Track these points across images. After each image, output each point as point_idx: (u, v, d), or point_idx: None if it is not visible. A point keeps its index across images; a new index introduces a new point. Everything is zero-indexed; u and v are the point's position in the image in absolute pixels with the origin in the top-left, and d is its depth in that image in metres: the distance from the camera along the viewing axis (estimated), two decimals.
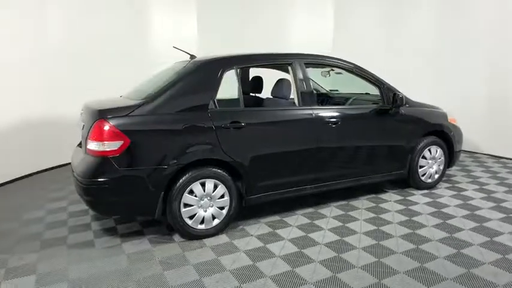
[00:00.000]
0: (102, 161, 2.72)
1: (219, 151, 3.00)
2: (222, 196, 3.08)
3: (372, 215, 3.52)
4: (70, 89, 5.13)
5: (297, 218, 3.47)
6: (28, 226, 3.36)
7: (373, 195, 4.04)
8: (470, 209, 3.61)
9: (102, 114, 2.76)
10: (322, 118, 3.43)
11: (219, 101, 3.11)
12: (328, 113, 3.51)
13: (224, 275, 2.51)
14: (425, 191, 4.17)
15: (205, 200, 3.02)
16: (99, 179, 2.71)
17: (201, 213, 3.01)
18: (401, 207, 3.70)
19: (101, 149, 2.70)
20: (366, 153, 3.74)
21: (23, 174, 4.83)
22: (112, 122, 2.72)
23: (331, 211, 3.62)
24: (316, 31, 7.41)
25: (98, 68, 5.36)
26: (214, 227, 3.08)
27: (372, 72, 3.89)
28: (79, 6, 5.30)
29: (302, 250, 2.85)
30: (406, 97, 3.96)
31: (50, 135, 5.06)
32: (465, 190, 4.20)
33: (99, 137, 2.70)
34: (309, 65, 3.61)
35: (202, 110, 2.98)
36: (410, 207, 3.70)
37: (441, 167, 4.27)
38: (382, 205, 3.77)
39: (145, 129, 2.80)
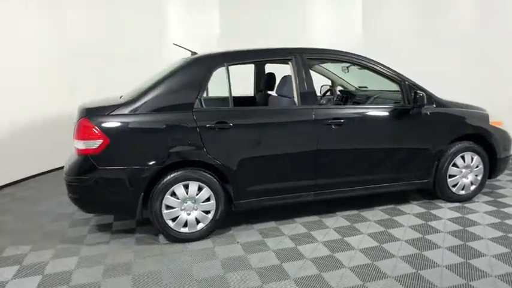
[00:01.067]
0: (83, 160, 2.74)
1: (202, 153, 2.86)
2: (208, 199, 2.95)
3: (381, 228, 3.12)
4: (92, 89, 5.23)
5: (295, 227, 3.21)
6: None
7: (392, 206, 3.60)
8: (505, 230, 3.03)
9: (84, 113, 2.78)
10: (323, 118, 3.11)
11: (213, 99, 2.97)
12: (331, 112, 3.17)
13: (191, 284, 2.39)
14: (456, 204, 3.61)
15: (188, 203, 2.91)
16: (80, 177, 2.75)
17: (183, 216, 2.91)
18: (419, 221, 3.24)
19: (82, 147, 2.73)
20: (377, 159, 3.32)
21: (41, 171, 5.10)
22: (92, 121, 2.73)
23: (335, 221, 3.29)
24: (344, 25, 6.80)
25: (121, 67, 5.42)
26: (198, 231, 2.96)
27: (394, 68, 3.43)
28: (98, 5, 5.48)
29: (282, 263, 2.60)
30: (433, 96, 3.46)
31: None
32: (508, 206, 3.55)
33: (81, 136, 2.73)
34: (313, 60, 3.29)
35: (186, 109, 2.86)
36: (430, 222, 3.22)
37: (479, 177, 3.66)
38: (397, 218, 3.33)
39: (124, 128, 2.77)
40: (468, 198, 3.67)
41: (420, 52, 6.07)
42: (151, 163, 2.77)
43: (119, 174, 2.75)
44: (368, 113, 3.34)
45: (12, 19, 4.56)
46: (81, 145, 2.73)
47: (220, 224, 3.07)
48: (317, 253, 2.74)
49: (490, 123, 3.62)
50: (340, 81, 4.63)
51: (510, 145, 3.76)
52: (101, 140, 2.71)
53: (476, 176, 3.64)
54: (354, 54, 3.37)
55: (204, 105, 2.92)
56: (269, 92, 3.99)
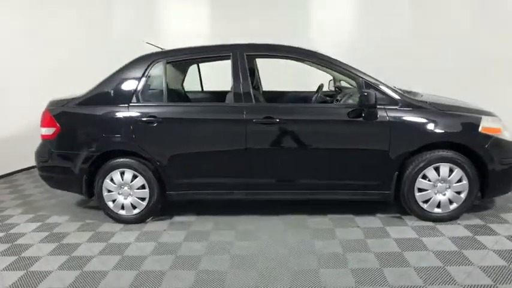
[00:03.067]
0: (44, 144, 3.31)
1: (133, 144, 3.12)
2: (143, 187, 3.21)
3: (307, 237, 2.90)
4: None
5: (214, 220, 3.26)
6: None
7: (350, 216, 3.26)
8: (448, 262, 2.47)
9: (47, 106, 3.32)
10: (255, 117, 3.01)
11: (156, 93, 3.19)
12: (263, 111, 3.04)
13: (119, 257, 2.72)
14: (426, 224, 3.05)
15: (125, 189, 3.22)
16: (42, 158, 3.32)
17: (120, 199, 3.24)
18: (360, 236, 2.88)
19: (43, 133, 3.28)
20: (318, 163, 3.06)
21: None
22: (50, 112, 3.25)
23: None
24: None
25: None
26: (135, 214, 3.26)
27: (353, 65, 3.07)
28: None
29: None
30: (399, 95, 2.99)
31: None
32: (490, 234, 2.85)
33: (42, 124, 3.28)
34: (253, 56, 3.19)
35: (123, 103, 3.15)
36: (369, 239, 2.83)
37: (462, 195, 3.01)
38: (339, 229, 3.02)
39: (71, 119, 3.22)
40: (450, 217, 3.07)
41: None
42: (90, 150, 3.16)
43: (66, 157, 3.23)
44: (308, 113, 3.08)
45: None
46: (43, 131, 3.29)
47: (158, 211, 3.32)
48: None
49: (481, 129, 2.93)
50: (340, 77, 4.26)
51: (511, 156, 2.98)
52: (54, 128, 3.22)
53: (457, 193, 3.01)
54: (302, 50, 3.13)
55: (140, 100, 3.17)
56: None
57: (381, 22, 5.86)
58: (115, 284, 2.39)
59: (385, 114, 2.95)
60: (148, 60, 3.20)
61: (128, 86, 3.18)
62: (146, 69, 3.18)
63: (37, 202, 3.93)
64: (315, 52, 3.15)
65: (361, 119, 2.95)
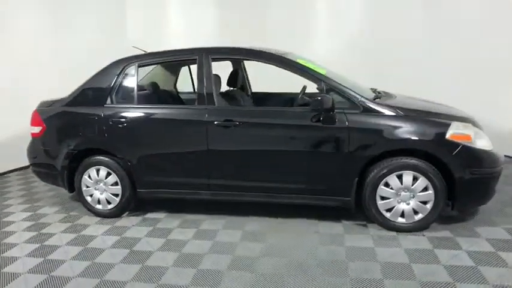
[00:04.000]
0: (33, 141, 3.62)
1: (106, 143, 3.32)
2: (116, 184, 3.40)
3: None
4: None
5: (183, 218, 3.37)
6: None
7: (316, 221, 3.21)
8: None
9: (38, 105, 3.63)
10: (216, 119, 3.07)
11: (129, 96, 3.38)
12: (224, 113, 3.09)
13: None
14: (388, 234, 2.92)
15: (100, 185, 3.44)
16: (31, 154, 3.64)
17: (96, 195, 3.47)
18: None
19: (33, 131, 3.59)
20: (276, 166, 3.05)
21: None
22: (38, 112, 3.55)
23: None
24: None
25: None
26: (109, 209, 3.47)
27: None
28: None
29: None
30: (359, 99, 2.89)
31: None
32: (455, 248, 2.66)
33: (31, 123, 3.59)
34: (217, 59, 3.23)
35: (99, 105, 3.36)
36: (331, 245, 2.78)
37: (428, 205, 2.84)
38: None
39: (54, 119, 3.49)
40: (416, 228, 2.91)
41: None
42: (69, 148, 3.41)
43: (50, 154, 3.51)
44: (267, 116, 3.07)
45: None
46: (32, 130, 3.60)
47: (132, 207, 3.50)
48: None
49: (448, 136, 2.75)
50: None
51: (483, 166, 2.76)
52: (41, 127, 3.51)
53: (423, 202, 2.85)
54: (263, 52, 3.13)
55: (114, 102, 3.36)
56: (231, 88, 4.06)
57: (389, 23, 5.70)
58: (69, 272, 2.59)
59: (345, 119, 2.86)
60: (121, 64, 3.38)
61: (104, 88, 3.38)
62: (120, 73, 3.36)
63: (39, 194, 4.30)
64: (274, 54, 3.13)
65: (319, 123, 2.89)
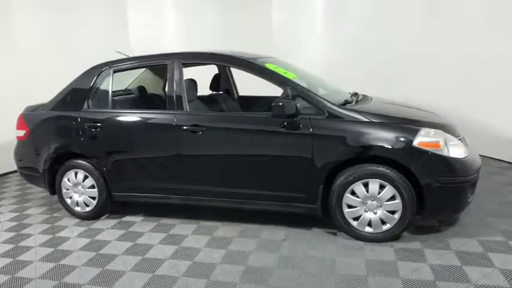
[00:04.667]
0: (18, 144, 3.75)
1: (82, 147, 3.40)
2: (93, 187, 3.48)
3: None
4: None
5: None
6: None
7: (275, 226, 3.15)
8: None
9: (23, 110, 3.76)
10: (184, 124, 3.08)
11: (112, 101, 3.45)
12: (191, 119, 3.09)
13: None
14: (354, 244, 2.83)
15: (78, 188, 3.52)
16: (17, 156, 3.78)
17: (75, 197, 3.55)
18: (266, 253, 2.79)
19: (18, 135, 3.72)
20: (242, 172, 3.02)
21: None
22: (22, 116, 3.68)
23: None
24: None
25: None
26: (87, 211, 3.55)
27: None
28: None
29: None
30: (325, 104, 2.82)
31: None
32: (420, 261, 2.54)
33: (16, 126, 3.72)
34: (187, 64, 3.24)
35: (77, 109, 3.44)
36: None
37: (396, 215, 2.73)
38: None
39: (36, 123, 3.60)
40: (385, 238, 2.80)
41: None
42: (49, 152, 3.51)
43: (33, 157, 3.62)
44: (232, 121, 3.05)
45: None
46: (17, 133, 3.73)
47: (109, 210, 3.57)
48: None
49: (416, 143, 2.63)
50: None
51: (453, 174, 2.63)
52: (24, 131, 3.64)
53: (391, 212, 2.74)
54: (230, 57, 3.12)
55: (90, 107, 3.43)
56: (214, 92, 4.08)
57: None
58: (32, 273, 2.67)
59: (309, 125, 2.80)
60: (98, 69, 3.45)
61: (81, 93, 3.46)
62: (96, 78, 3.43)
63: (32, 195, 4.45)
64: (240, 59, 3.11)
65: (284, 129, 2.84)
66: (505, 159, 4.66)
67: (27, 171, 3.77)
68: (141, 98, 3.92)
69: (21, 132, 3.67)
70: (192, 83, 3.42)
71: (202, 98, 3.78)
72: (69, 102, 3.50)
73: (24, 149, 3.69)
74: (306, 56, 6.51)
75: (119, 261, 2.78)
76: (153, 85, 4.41)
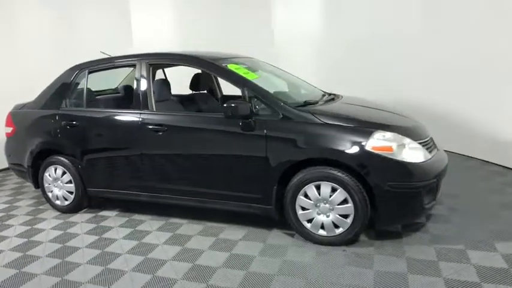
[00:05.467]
0: (7, 140, 3.99)
1: (59, 144, 3.57)
2: (71, 182, 3.64)
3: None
4: None
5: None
6: None
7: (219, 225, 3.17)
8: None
9: (12, 107, 3.98)
10: (148, 123, 3.17)
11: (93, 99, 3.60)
12: (154, 118, 3.17)
13: None
14: (308, 246, 2.80)
15: (58, 183, 3.70)
16: (7, 153, 4.01)
17: (55, 192, 3.74)
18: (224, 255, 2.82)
19: (7, 131, 3.96)
20: (201, 171, 3.06)
21: None
22: (10, 114, 3.91)
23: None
24: None
25: None
26: (66, 205, 3.72)
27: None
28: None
29: None
30: (282, 105, 2.81)
31: None
32: (367, 267, 2.48)
33: (5, 123, 3.95)
34: (153, 65, 3.32)
35: (56, 108, 3.62)
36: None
37: (348, 219, 2.68)
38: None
39: (21, 120, 3.82)
40: (340, 242, 2.75)
41: None
42: (31, 148, 3.71)
43: (19, 153, 3.84)
44: (192, 121, 3.09)
45: None
46: (6, 130, 3.96)
47: (87, 204, 3.73)
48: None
49: (367, 146, 2.57)
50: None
51: (406, 180, 2.55)
52: (12, 128, 3.87)
53: (343, 216, 2.69)
54: (191, 57, 3.17)
55: (67, 106, 3.59)
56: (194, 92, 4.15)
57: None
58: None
59: (263, 126, 2.80)
60: (75, 70, 3.61)
61: (60, 92, 3.64)
62: (73, 78, 3.59)
63: (27, 187, 4.70)
64: (202, 60, 3.15)
65: (240, 130, 2.86)
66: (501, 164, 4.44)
67: (15, 166, 4.00)
68: (127, 97, 4.04)
69: (9, 129, 3.90)
70: (164, 83, 3.49)
71: (180, 98, 3.86)
72: (50, 101, 3.68)
73: (12, 145, 3.92)
74: (306, 56, 6.48)
75: (80, 254, 2.91)
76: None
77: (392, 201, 2.58)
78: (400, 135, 2.66)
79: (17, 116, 3.87)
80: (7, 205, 4.10)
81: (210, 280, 2.45)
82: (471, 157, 4.81)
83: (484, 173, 4.23)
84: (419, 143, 2.74)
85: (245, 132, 2.84)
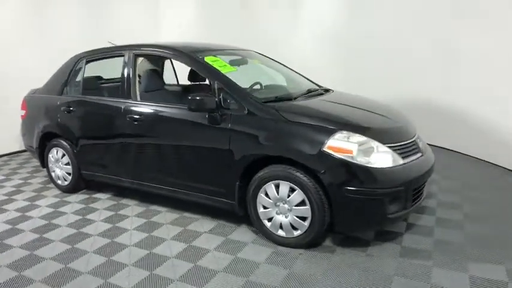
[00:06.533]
0: (22, 122, 4.34)
1: (59, 128, 3.81)
2: (68, 164, 3.89)
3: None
4: None
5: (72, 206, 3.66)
6: None
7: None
8: None
9: (28, 92, 4.33)
10: (128, 113, 3.27)
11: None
12: (133, 109, 3.26)
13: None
14: (263, 244, 2.72)
15: (59, 164, 3.97)
16: (22, 133, 4.38)
17: (57, 172, 4.01)
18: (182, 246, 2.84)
19: (21, 114, 4.31)
20: (170, 162, 3.11)
21: None
22: (25, 98, 4.25)
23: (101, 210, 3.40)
24: None
25: None
26: (66, 185, 3.98)
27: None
28: None
29: None
30: (248, 101, 2.76)
31: None
32: (312, 273, 2.35)
33: (21, 107, 4.31)
34: (139, 55, 3.39)
35: (58, 94, 3.87)
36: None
37: (306, 222, 2.56)
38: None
39: (32, 104, 4.13)
40: (299, 244, 2.64)
41: None
42: (37, 130, 4.01)
43: (30, 134, 4.17)
44: (163, 112, 3.12)
45: None
46: (21, 113, 4.32)
47: (83, 186, 3.96)
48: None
49: (326, 147, 2.42)
50: None
51: (365, 185, 2.37)
52: (25, 110, 4.21)
53: (301, 218, 2.58)
54: (176, 50, 3.17)
55: (67, 92, 3.82)
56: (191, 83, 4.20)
57: None
58: None
59: (229, 121, 2.75)
60: (75, 59, 3.82)
61: (61, 80, 3.88)
62: (73, 67, 3.80)
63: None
64: (182, 52, 3.15)
65: (207, 122, 2.84)
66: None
67: (29, 147, 4.36)
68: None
69: (23, 112, 4.24)
70: (153, 74, 3.57)
71: (175, 89, 3.93)
72: (54, 88, 3.94)
73: (25, 127, 4.27)
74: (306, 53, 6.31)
75: (58, 232, 3.11)
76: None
77: (350, 207, 2.42)
78: (366, 138, 2.48)
79: (29, 100, 4.20)
80: (22, 181, 4.49)
81: (155, 269, 2.49)
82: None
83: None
84: (392, 147, 2.53)
85: (212, 125, 2.82)
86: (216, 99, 2.78)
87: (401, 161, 2.51)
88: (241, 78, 4.02)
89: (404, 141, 2.66)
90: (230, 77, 2.93)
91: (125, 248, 2.80)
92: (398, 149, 2.57)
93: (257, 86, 3.71)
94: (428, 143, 3.34)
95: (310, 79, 3.91)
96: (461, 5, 4.50)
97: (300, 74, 3.96)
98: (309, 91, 3.33)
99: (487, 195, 3.53)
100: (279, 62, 4.03)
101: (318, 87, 3.62)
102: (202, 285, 2.31)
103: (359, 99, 3.28)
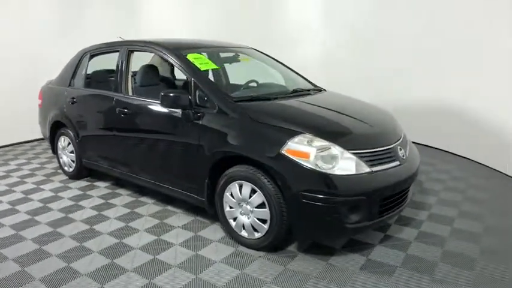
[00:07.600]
0: (39, 110, 4.67)
1: (64, 118, 4.06)
2: (73, 152, 4.14)
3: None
4: None
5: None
6: None
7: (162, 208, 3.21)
8: None
9: (45, 83, 4.65)
10: (118, 106, 3.40)
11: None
12: (122, 102, 3.38)
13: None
14: (226, 244, 2.71)
15: (65, 151, 4.23)
16: (39, 120, 4.72)
17: (64, 159, 4.28)
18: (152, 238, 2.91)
19: (39, 102, 4.64)
20: (150, 155, 3.21)
21: None
22: (41, 88, 4.57)
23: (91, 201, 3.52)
24: None
25: None
26: (71, 172, 4.23)
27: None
28: None
29: None
30: (220, 99, 2.76)
31: None
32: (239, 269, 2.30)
33: (38, 97, 4.63)
34: (132, 51, 3.49)
35: (66, 86, 4.11)
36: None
37: (265, 225, 2.51)
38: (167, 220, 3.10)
39: (46, 95, 4.42)
40: (262, 246, 2.59)
41: None
42: (49, 118, 4.30)
43: (44, 122, 4.47)
44: (145, 106, 3.21)
45: None
46: (38, 102, 4.65)
47: (86, 173, 4.19)
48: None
49: (283, 150, 2.36)
50: None
51: (321, 192, 2.27)
52: (40, 100, 4.53)
53: (262, 220, 2.54)
54: (162, 46, 3.23)
55: (74, 84, 4.05)
56: None
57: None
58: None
59: (200, 118, 2.77)
60: (80, 53, 4.04)
61: (69, 73, 4.12)
62: (79, 61, 4.02)
63: None
64: (167, 48, 3.19)
65: (181, 119, 2.88)
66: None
67: (43, 134, 4.69)
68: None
69: (39, 102, 4.57)
70: (148, 69, 3.67)
71: (175, 84, 4.03)
72: (64, 79, 4.19)
73: (40, 116, 4.59)
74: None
75: (47, 215, 3.32)
76: (162, 68, 4.82)
77: (305, 213, 2.34)
78: (329, 142, 2.37)
79: (44, 90, 4.51)
80: (38, 166, 4.84)
81: (117, 258, 2.59)
82: None
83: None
84: (358, 154, 2.40)
85: (185, 122, 2.85)
86: (190, 96, 2.81)
87: (367, 169, 2.38)
88: (239, 75, 4.04)
89: (377, 148, 2.51)
90: (212, 75, 2.96)
91: (99, 235, 2.93)
92: (367, 156, 2.43)
93: (253, 84, 3.71)
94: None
95: (307, 78, 3.82)
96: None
97: (297, 73, 3.87)
98: (295, 91, 3.25)
99: (485, 209, 3.24)
100: (278, 61, 3.97)
101: (310, 87, 3.53)
102: (152, 278, 2.36)
103: (345, 102, 3.14)
